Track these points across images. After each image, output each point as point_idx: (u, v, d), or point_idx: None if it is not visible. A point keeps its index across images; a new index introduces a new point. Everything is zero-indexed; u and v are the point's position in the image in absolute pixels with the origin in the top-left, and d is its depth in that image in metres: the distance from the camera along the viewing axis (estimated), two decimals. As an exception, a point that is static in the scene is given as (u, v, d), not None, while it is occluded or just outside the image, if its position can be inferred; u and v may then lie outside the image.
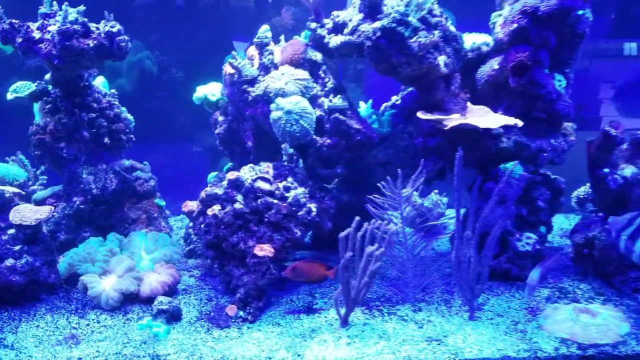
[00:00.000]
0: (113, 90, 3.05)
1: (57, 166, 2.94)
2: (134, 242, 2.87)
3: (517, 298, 2.54)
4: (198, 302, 2.66)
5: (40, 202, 2.97)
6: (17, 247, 2.58)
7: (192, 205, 2.68)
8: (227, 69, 2.76)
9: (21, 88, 2.77)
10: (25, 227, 2.61)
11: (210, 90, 3.05)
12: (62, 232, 2.97)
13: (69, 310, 2.62)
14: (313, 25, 2.63)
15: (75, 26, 2.43)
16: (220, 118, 2.96)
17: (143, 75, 4.21)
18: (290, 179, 2.55)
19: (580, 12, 2.42)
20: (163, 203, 3.31)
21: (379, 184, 2.43)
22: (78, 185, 2.91)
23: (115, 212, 3.07)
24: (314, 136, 2.56)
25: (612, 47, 4.12)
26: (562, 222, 3.57)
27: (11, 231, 2.62)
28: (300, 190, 2.53)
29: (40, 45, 2.46)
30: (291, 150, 2.90)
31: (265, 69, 2.63)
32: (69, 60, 2.52)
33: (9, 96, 2.82)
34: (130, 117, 3.09)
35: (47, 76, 2.82)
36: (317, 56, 2.65)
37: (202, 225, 2.56)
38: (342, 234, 2.25)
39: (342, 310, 2.30)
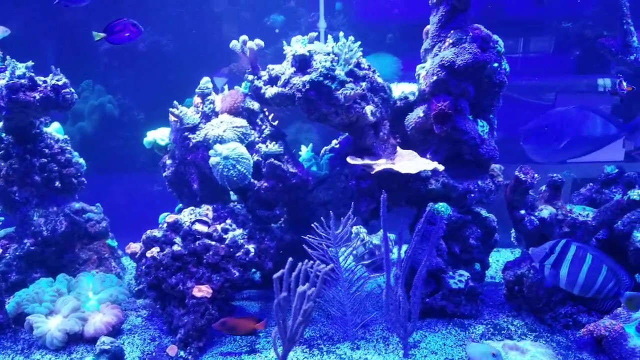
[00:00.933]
0: (66, 136, 3.17)
1: (9, 209, 3.03)
2: (82, 282, 2.95)
3: (452, 335, 2.65)
4: (142, 342, 2.73)
5: (-7, 244, 3.05)
6: None
7: (134, 247, 2.78)
8: (172, 116, 2.91)
9: None
10: None
11: (160, 135, 3.19)
12: (13, 272, 3.03)
13: (15, 350, 2.67)
14: (250, 77, 2.79)
15: (22, 80, 2.57)
16: (168, 161, 3.09)
17: (104, 118, 4.36)
18: (229, 221, 2.67)
19: (495, 64, 2.61)
20: (115, 243, 3.40)
21: (313, 225, 2.55)
22: (29, 227, 2.99)
23: (65, 253, 3.15)
24: (252, 180, 2.70)
25: (580, 83, 4.36)
26: (508, 257, 3.71)
27: None
28: (239, 231, 2.65)
29: None
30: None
31: (206, 117, 2.78)
32: (17, 112, 2.65)
33: None
34: (82, 161, 3.20)
35: (0, 124, 2.94)
36: (255, 105, 2.81)
37: (143, 267, 2.66)
38: (275, 275, 2.35)
39: (280, 350, 2.38)
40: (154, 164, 4.39)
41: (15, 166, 2.88)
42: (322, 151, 3.12)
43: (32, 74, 2.64)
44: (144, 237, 2.67)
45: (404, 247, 2.46)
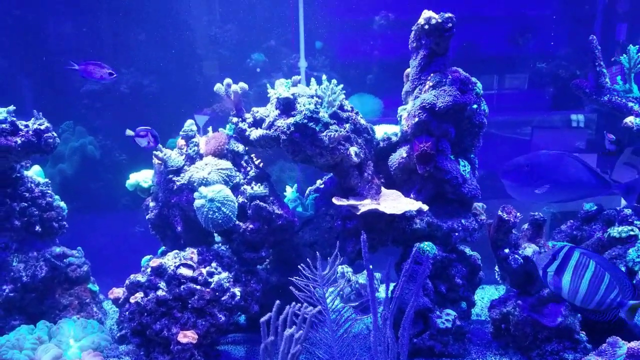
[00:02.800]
0: (47, 180, 3.13)
1: None
2: (62, 329, 2.87)
3: (441, 375, 2.64)
4: (123, 392, 2.66)
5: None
6: None
7: (117, 292, 2.73)
8: (156, 158, 2.91)
9: None
10: None
11: (143, 177, 3.17)
12: (-9, 320, 2.94)
13: (-11, 404, 2.58)
14: (235, 119, 2.82)
15: (4, 125, 2.55)
16: (152, 204, 3.07)
17: (85, 159, 4.32)
18: (214, 264, 2.64)
19: (475, 106, 2.68)
20: (96, 288, 3.32)
21: (299, 266, 2.54)
22: (8, 273, 2.92)
23: (46, 299, 3.07)
24: (237, 222, 2.69)
25: (554, 119, 4.49)
26: (493, 294, 3.73)
27: None
28: (224, 275, 2.62)
29: None
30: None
31: (190, 159, 2.78)
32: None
33: None
34: (63, 204, 3.15)
35: None
36: (239, 147, 2.83)
37: (127, 313, 2.60)
38: (263, 319, 2.32)
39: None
40: (135, 206, 4.37)
41: None
42: (307, 191, 3.14)
43: (14, 119, 2.62)
44: (127, 282, 2.62)
45: (391, 287, 2.46)
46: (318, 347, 2.66)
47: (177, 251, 2.68)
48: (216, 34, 4.56)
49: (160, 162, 2.84)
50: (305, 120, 2.56)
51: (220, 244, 3.09)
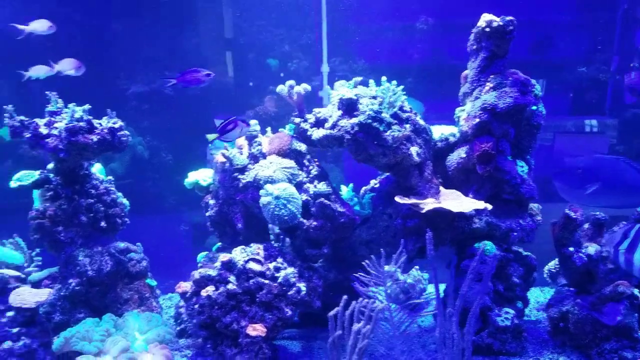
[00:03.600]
0: (110, 177, 3.24)
1: (54, 249, 3.05)
2: (128, 322, 2.96)
3: (500, 373, 2.68)
4: (191, 383, 2.74)
5: (36, 284, 3.05)
6: (15, 330, 2.66)
7: (185, 286, 2.81)
8: (219, 157, 2.99)
9: (24, 177, 2.93)
10: (24, 310, 2.70)
11: (201, 176, 3.26)
12: (57, 313, 3.02)
13: (61, 393, 2.67)
14: (297, 120, 2.89)
15: (81, 123, 2.66)
16: (212, 201, 3.15)
17: (135, 160, 4.44)
18: (280, 260, 2.72)
19: (534, 107, 2.74)
20: (154, 283, 3.42)
21: (363, 262, 2.60)
22: (74, 267, 3.01)
23: (109, 292, 3.16)
24: (301, 219, 2.76)
25: (573, 124, 4.53)
26: (538, 295, 3.75)
27: (10, 313, 2.70)
28: (290, 270, 2.69)
29: (47, 140, 2.67)
30: (277, 230, 3.10)
31: (254, 158, 2.86)
32: (74, 154, 2.72)
33: (13, 184, 2.98)
34: (125, 201, 3.26)
35: (50, 165, 3.01)
36: (302, 147, 2.90)
37: (196, 306, 2.68)
38: (331, 313, 2.39)
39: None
40: (181, 205, 4.48)
41: (64, 207, 2.93)
42: (362, 191, 3.20)
43: (90, 117, 2.72)
44: (196, 275, 2.70)
45: (442, 286, 2.51)
46: (379, 343, 2.73)
47: (243, 247, 2.75)
48: (265, 38, 4.67)
49: (224, 160, 2.92)
50: (370, 121, 2.63)
51: (273, 242, 3.17)
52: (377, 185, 3.17)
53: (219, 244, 3.44)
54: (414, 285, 2.80)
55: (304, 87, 2.85)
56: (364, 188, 3.21)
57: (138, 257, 3.31)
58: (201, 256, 3.49)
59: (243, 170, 2.83)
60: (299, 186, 2.80)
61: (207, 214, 3.19)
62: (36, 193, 3.17)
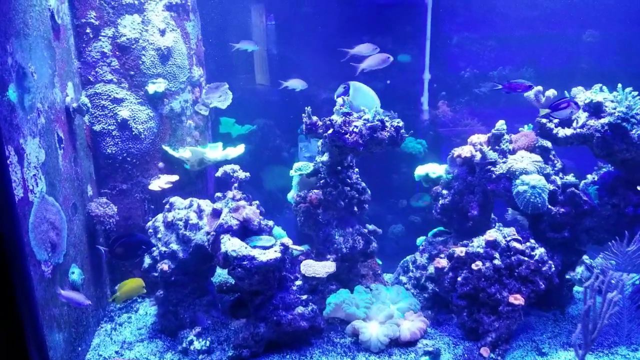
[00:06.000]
0: (356, 169, 3.76)
1: (313, 229, 3.59)
2: (382, 294, 3.46)
3: None
4: (446, 347, 3.19)
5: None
6: (304, 297, 3.18)
7: (442, 262, 3.27)
8: (459, 151, 3.45)
9: (304, 167, 3.54)
10: (310, 279, 3.23)
11: (431, 169, 3.73)
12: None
13: (339, 353, 3.15)
14: (544, 120, 3.31)
15: (377, 122, 3.18)
16: (444, 191, 3.62)
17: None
18: (532, 240, 3.14)
19: None
20: (380, 262, 3.91)
21: (609, 243, 3.02)
22: (331, 245, 3.54)
23: (353, 268, 3.68)
24: (549, 206, 3.18)
25: None
26: None
27: (298, 282, 3.23)
28: (542, 250, 3.11)
29: (347, 136, 3.20)
30: (513, 217, 3.52)
31: (502, 153, 3.31)
32: (369, 148, 3.26)
33: (292, 173, 3.55)
34: (368, 190, 3.77)
35: (320, 158, 3.55)
36: (548, 143, 3.33)
37: (459, 279, 3.14)
38: (585, 284, 2.82)
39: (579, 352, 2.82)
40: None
41: (333, 193, 3.46)
42: (582, 184, 3.58)
43: (383, 117, 3.24)
44: (460, 253, 3.16)
45: None
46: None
47: (499, 228, 3.19)
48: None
49: (467, 155, 3.38)
50: (619, 121, 3.02)
51: (501, 227, 3.58)
52: (596, 179, 3.55)
53: (436, 229, 3.90)
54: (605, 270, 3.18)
55: (552, 92, 3.27)
56: (582, 182, 3.59)
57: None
58: (420, 240, 3.96)
59: (494, 164, 3.28)
60: (546, 177, 3.22)
61: (440, 202, 3.66)
62: (295, 180, 3.74)
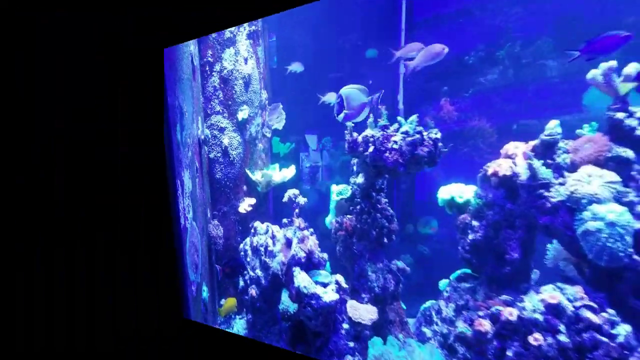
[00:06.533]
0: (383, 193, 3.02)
1: (349, 261, 3.05)
2: (415, 352, 2.68)
3: None
4: None
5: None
6: (351, 344, 2.67)
7: (485, 325, 2.32)
8: (496, 167, 2.38)
9: (344, 191, 3.15)
10: (356, 325, 2.74)
11: (457, 192, 2.67)
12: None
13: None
14: (619, 114, 2.19)
15: (417, 136, 2.48)
16: (475, 223, 2.56)
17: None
18: (611, 311, 2.09)
19: None
20: (405, 307, 3.16)
21: None
22: (366, 282, 2.93)
23: (383, 312, 2.98)
24: (635, 256, 2.06)
25: None
26: None
27: (345, 326, 2.73)
28: (627, 327, 2.08)
29: (387, 154, 2.55)
30: (550, 263, 2.44)
31: (557, 169, 2.21)
32: (410, 167, 2.57)
33: (334, 197, 3.16)
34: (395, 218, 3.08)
35: (355, 179, 3.00)
36: (628, 153, 2.20)
37: (509, 353, 2.21)
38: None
39: None
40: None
41: (369, 221, 2.88)
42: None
43: (420, 129, 2.54)
44: (509, 316, 2.20)
45: None
46: None
47: (555, 286, 2.13)
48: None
49: (505, 172, 2.30)
50: None
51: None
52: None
53: (459, 271, 2.86)
54: None
55: (635, 67, 2.14)
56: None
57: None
58: (443, 285, 2.95)
59: (547, 186, 2.18)
60: (629, 208, 2.10)
61: (470, 237, 2.60)
62: (333, 204, 3.26)
